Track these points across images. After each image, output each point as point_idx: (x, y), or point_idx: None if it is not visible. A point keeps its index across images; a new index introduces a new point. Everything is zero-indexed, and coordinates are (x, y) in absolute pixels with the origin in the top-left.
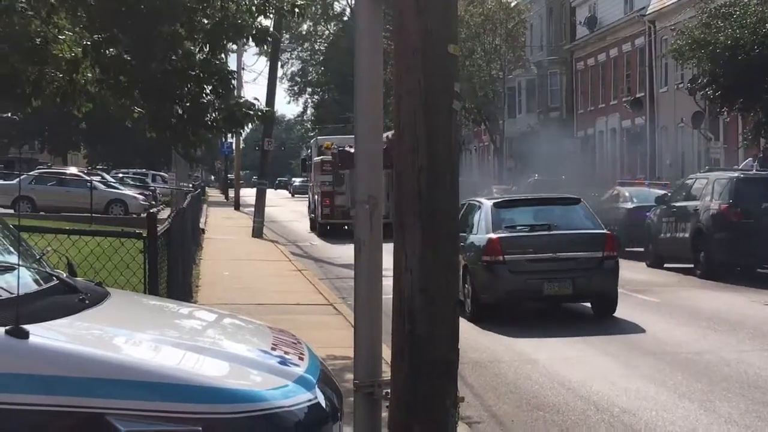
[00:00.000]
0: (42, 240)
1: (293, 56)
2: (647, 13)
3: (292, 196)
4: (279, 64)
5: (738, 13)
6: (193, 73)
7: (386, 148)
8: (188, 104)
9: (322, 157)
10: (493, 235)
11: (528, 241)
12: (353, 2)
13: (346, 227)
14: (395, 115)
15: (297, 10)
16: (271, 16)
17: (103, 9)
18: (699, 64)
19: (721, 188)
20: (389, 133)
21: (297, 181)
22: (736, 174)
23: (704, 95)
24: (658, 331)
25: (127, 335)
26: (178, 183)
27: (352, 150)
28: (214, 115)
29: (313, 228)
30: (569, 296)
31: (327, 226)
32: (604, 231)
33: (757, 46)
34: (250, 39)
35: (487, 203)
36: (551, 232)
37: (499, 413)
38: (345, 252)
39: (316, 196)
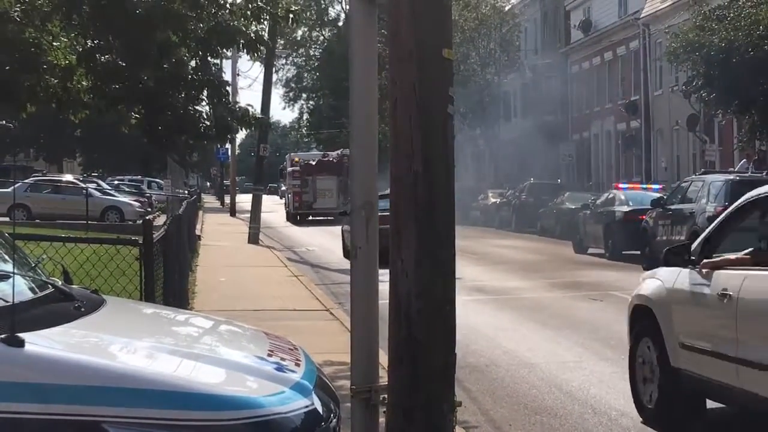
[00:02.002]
0: (37, 248)
1: (288, 62)
2: (641, 16)
3: (281, 198)
4: (274, 70)
5: (732, 15)
6: (186, 80)
7: (337, 162)
8: (181, 111)
9: (292, 167)
10: None
11: None
12: (348, 8)
13: (309, 217)
14: (390, 120)
15: (291, 15)
16: (266, 22)
17: (98, 16)
18: (693, 66)
19: (716, 191)
20: (342, 150)
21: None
22: (731, 176)
23: (699, 98)
24: None
25: (123, 343)
26: (173, 190)
27: (313, 163)
28: (207, 122)
29: (287, 219)
30: None
31: (297, 216)
32: None
33: (751, 48)
34: (243, 46)
35: None
36: None
37: (496, 417)
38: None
39: (289, 195)
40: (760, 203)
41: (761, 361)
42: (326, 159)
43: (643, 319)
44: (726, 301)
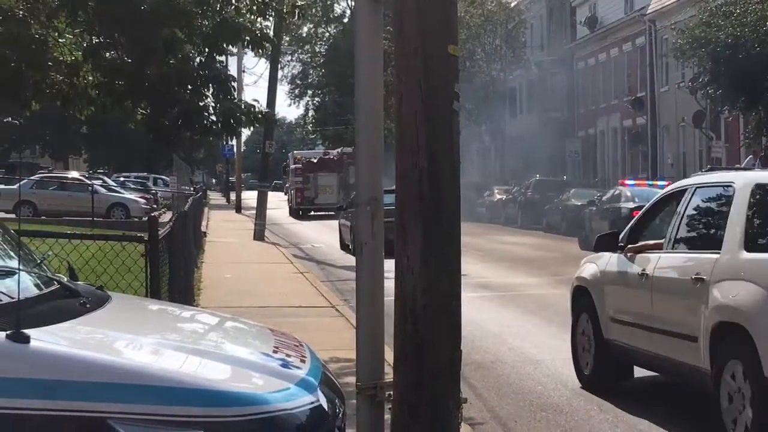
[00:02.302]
0: (43, 244)
1: (294, 59)
2: (648, 12)
3: (285, 194)
4: (279, 66)
5: (738, 11)
6: (192, 76)
7: (337, 159)
8: (186, 107)
9: (295, 165)
10: None
11: None
12: (353, 4)
13: (311, 212)
14: (396, 116)
15: (297, 11)
16: (271, 18)
17: (103, 12)
18: (700, 62)
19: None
20: (342, 149)
21: None
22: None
23: (705, 94)
24: None
25: (129, 339)
26: (179, 186)
27: (315, 160)
28: (212, 118)
29: (290, 214)
30: None
31: (299, 211)
32: None
33: (757, 44)
34: (248, 43)
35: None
36: None
37: (502, 414)
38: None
39: (292, 191)
40: (672, 197)
41: (670, 329)
42: (327, 157)
43: (582, 298)
44: (644, 279)
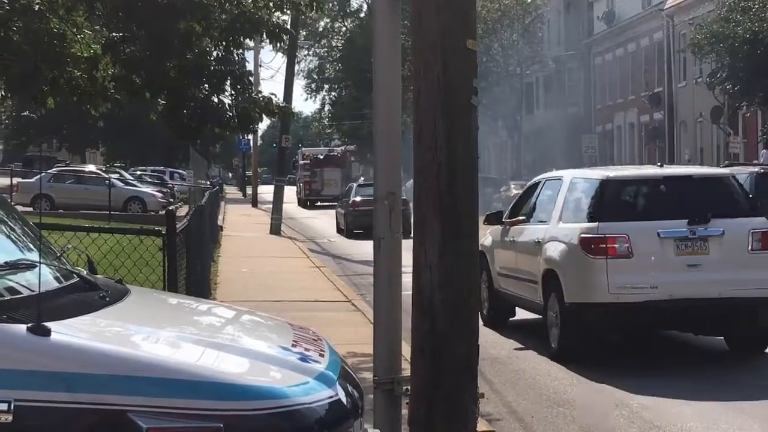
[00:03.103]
0: (62, 238)
1: (311, 53)
2: (665, 7)
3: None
4: (296, 60)
5: (757, 6)
6: (210, 70)
7: (341, 156)
8: (204, 101)
9: (303, 161)
10: None
11: None
12: None
13: (318, 202)
14: (414, 111)
15: (314, 4)
16: (288, 11)
17: (121, 6)
18: (718, 58)
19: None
20: (345, 146)
21: None
22: (756, 169)
23: (723, 90)
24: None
25: (148, 332)
26: (196, 180)
27: (321, 157)
28: (229, 113)
29: (299, 204)
30: None
31: (307, 202)
32: None
33: None
34: (265, 35)
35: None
36: None
37: (518, 409)
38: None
39: (300, 184)
40: (533, 187)
41: (524, 277)
42: (332, 154)
43: (481, 260)
44: (512, 243)
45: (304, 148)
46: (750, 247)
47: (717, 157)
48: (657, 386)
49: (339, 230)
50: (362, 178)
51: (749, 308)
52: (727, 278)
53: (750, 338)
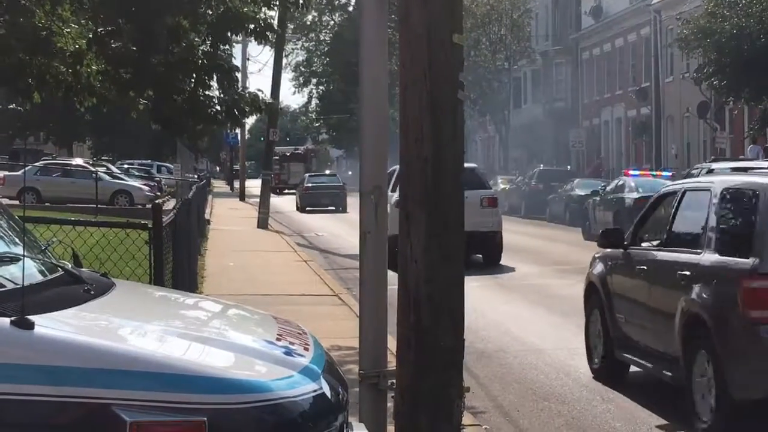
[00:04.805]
0: (47, 231)
1: (298, 46)
2: (652, 2)
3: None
4: (284, 54)
5: (743, 2)
6: (196, 65)
7: (303, 153)
8: (190, 96)
9: (275, 157)
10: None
11: None
12: None
13: (285, 190)
14: (400, 105)
15: (301, 1)
16: (276, 7)
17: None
18: (705, 53)
19: None
20: (307, 145)
21: None
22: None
23: (710, 85)
24: None
25: (133, 326)
26: (183, 174)
27: (288, 154)
28: (216, 108)
29: (272, 192)
30: None
31: (277, 189)
32: None
33: (762, 35)
34: (251, 34)
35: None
36: None
37: (504, 403)
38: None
39: (272, 176)
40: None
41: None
42: (297, 152)
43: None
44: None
45: (276, 148)
46: None
47: (703, 152)
48: (645, 382)
49: (297, 208)
50: (350, 172)
51: None
52: None
53: None
